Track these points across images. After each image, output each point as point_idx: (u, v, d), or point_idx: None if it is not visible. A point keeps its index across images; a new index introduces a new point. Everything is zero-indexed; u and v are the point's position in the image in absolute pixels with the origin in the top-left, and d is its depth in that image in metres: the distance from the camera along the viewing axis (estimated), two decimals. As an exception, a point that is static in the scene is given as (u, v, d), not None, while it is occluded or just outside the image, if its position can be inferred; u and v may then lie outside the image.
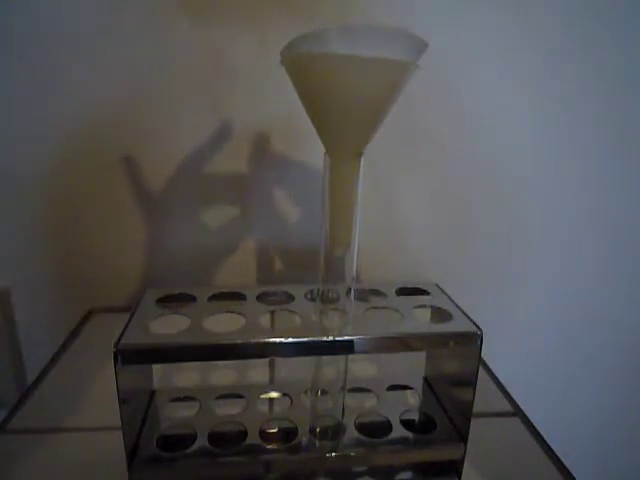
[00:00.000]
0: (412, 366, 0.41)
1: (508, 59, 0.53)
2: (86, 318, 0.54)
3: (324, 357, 0.32)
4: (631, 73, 0.55)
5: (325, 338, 0.29)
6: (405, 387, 0.39)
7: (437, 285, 0.37)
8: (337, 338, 0.29)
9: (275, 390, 0.38)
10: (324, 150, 0.28)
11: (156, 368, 0.38)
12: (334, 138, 0.27)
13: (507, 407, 0.42)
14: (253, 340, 0.29)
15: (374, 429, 0.34)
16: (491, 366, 0.47)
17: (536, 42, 0.52)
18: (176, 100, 0.51)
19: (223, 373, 0.43)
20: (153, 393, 0.37)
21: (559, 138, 0.56)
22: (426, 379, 0.40)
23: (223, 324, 0.30)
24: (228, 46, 0.49)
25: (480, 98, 0.54)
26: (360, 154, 0.27)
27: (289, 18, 0.48)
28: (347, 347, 0.30)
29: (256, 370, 0.44)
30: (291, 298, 0.35)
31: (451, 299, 0.35)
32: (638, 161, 0.58)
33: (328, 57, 0.23)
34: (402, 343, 0.30)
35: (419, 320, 0.32)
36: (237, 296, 0.35)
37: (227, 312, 0.32)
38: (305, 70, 0.25)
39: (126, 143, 0.52)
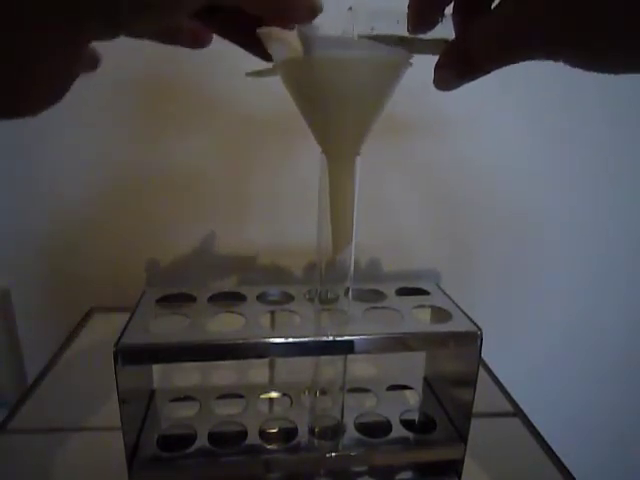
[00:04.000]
0: (412, 366, 0.41)
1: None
2: (86, 318, 0.54)
3: (324, 357, 0.32)
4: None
5: (325, 338, 0.29)
6: (405, 387, 0.39)
7: (437, 285, 0.37)
8: (337, 338, 0.29)
9: (275, 390, 0.38)
10: (320, 150, 0.27)
11: (156, 368, 0.38)
12: (329, 138, 0.26)
13: (507, 407, 0.42)
14: (253, 340, 0.29)
15: (374, 429, 0.34)
16: (491, 366, 0.47)
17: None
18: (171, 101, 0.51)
19: (223, 373, 0.43)
20: (153, 393, 0.37)
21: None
22: (426, 379, 0.40)
23: (223, 324, 0.30)
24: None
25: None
26: (357, 154, 0.27)
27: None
28: (347, 347, 0.30)
29: (256, 370, 0.44)
30: (291, 298, 0.35)
31: (451, 299, 0.35)
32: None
33: (320, 60, 0.23)
34: (402, 343, 0.30)
35: (419, 320, 0.32)
36: (237, 296, 0.35)
37: (227, 312, 0.32)
38: (297, 73, 0.24)
39: (125, 147, 0.52)
